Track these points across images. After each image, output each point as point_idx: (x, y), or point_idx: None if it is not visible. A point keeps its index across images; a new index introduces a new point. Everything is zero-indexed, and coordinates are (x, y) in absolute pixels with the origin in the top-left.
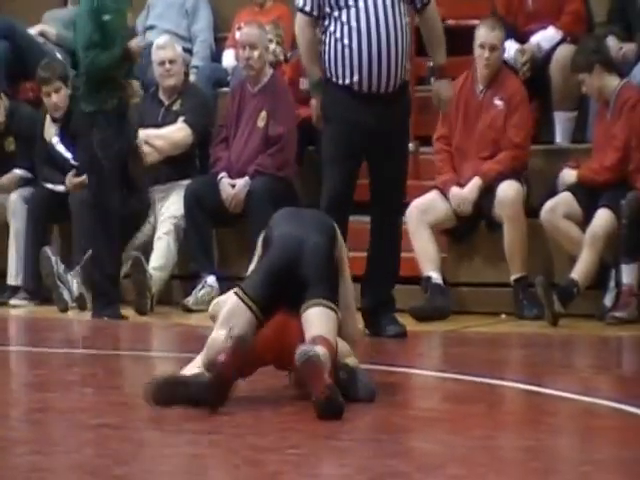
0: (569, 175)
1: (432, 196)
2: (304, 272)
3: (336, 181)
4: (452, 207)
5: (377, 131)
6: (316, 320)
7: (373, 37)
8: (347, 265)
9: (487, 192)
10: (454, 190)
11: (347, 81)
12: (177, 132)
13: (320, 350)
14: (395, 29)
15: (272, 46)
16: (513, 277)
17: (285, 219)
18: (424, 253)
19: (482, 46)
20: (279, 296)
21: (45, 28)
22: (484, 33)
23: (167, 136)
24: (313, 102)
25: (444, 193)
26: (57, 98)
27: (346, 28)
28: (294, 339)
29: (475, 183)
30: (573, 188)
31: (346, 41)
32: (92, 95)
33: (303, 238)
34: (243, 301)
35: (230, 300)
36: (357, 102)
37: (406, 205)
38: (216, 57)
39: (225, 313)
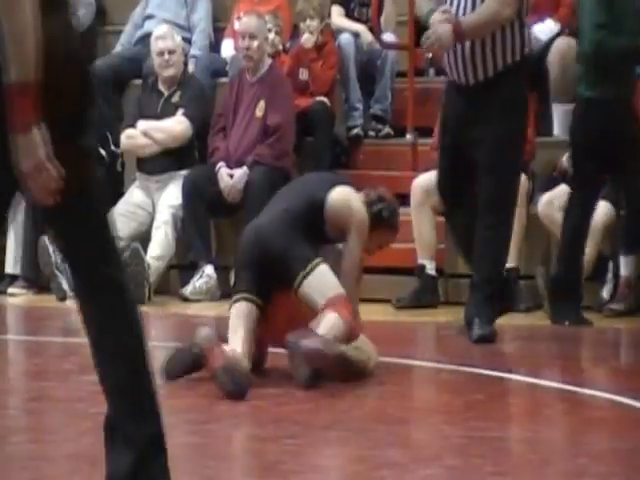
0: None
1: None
2: (273, 254)
3: (440, 165)
4: None
5: (468, 121)
6: (309, 295)
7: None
8: (358, 230)
9: None
10: None
11: (446, 69)
12: (176, 125)
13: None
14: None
15: (271, 36)
16: (505, 267)
17: (268, 204)
18: (422, 239)
19: None
20: (267, 278)
21: None
22: None
23: (166, 129)
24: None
25: None
26: None
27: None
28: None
29: None
30: (570, 180)
31: None
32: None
33: (259, 223)
34: (239, 300)
35: (231, 309)
36: (454, 91)
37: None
38: (215, 47)
39: (231, 318)
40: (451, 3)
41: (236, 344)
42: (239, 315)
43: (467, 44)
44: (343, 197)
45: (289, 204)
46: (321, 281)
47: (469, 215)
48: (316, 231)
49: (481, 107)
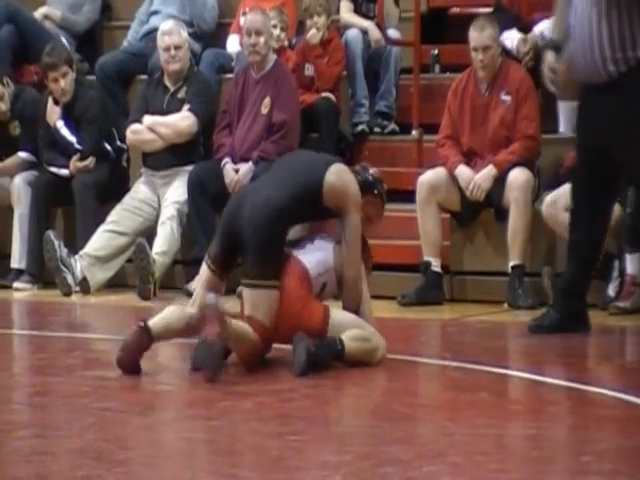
0: None
1: (441, 173)
2: (244, 232)
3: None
4: (459, 192)
5: (601, 121)
6: (248, 301)
7: (578, 26)
8: (355, 203)
9: (498, 181)
10: (462, 169)
11: (577, 70)
12: (182, 121)
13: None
14: (597, 20)
15: (276, 32)
16: (511, 264)
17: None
18: (427, 236)
19: (475, 49)
20: (232, 249)
21: (49, 11)
22: (474, 36)
23: (172, 124)
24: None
25: (451, 173)
26: (65, 83)
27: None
28: (313, 320)
29: (490, 171)
30: None
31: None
32: None
33: (248, 193)
34: (205, 262)
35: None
36: (585, 90)
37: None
38: (220, 43)
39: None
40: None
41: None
42: (202, 273)
43: (595, 41)
44: (338, 176)
45: (287, 186)
46: (262, 300)
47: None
48: (312, 210)
49: (625, 104)
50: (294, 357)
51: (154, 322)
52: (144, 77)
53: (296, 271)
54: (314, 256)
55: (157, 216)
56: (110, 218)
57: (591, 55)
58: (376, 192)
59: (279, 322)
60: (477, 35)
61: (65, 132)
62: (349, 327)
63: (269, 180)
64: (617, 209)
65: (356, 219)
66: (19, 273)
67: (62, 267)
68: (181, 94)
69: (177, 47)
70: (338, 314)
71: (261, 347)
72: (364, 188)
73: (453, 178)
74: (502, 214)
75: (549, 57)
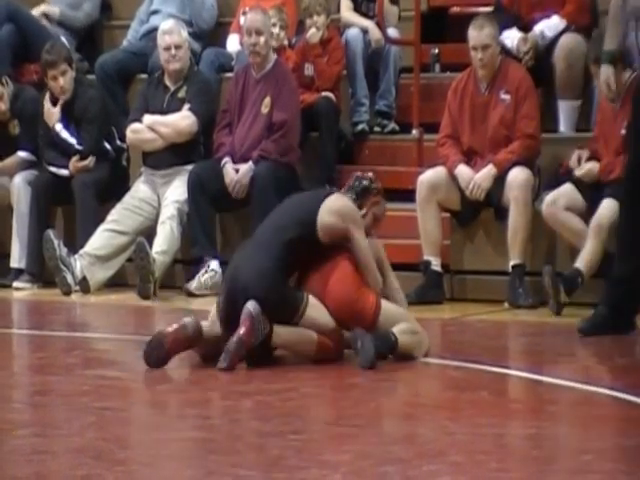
0: (588, 169)
1: (441, 173)
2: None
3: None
4: (459, 191)
5: None
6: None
7: None
8: (355, 224)
9: (498, 180)
10: (462, 168)
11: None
12: (182, 120)
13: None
14: None
15: (275, 31)
16: (511, 263)
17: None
18: (427, 235)
19: (474, 48)
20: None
21: (48, 8)
22: (474, 34)
23: (172, 124)
24: (602, 70)
25: (451, 172)
26: (64, 81)
27: None
28: (366, 307)
29: (489, 170)
30: (576, 179)
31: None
32: None
33: (239, 264)
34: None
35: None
36: None
37: None
38: (220, 42)
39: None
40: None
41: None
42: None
43: None
44: (329, 211)
45: (280, 236)
46: (307, 325)
47: None
48: (314, 249)
49: None
50: (359, 350)
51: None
52: (144, 76)
53: (352, 259)
54: None
55: (157, 215)
56: (110, 217)
57: None
58: (375, 192)
59: (333, 304)
60: (476, 34)
61: (65, 134)
62: (398, 319)
63: (260, 240)
64: (617, 209)
65: (362, 241)
66: (19, 272)
67: (62, 266)
68: (181, 93)
69: (177, 46)
70: (388, 305)
71: (336, 348)
72: (363, 195)
73: (453, 177)
74: (502, 213)
75: (606, 71)
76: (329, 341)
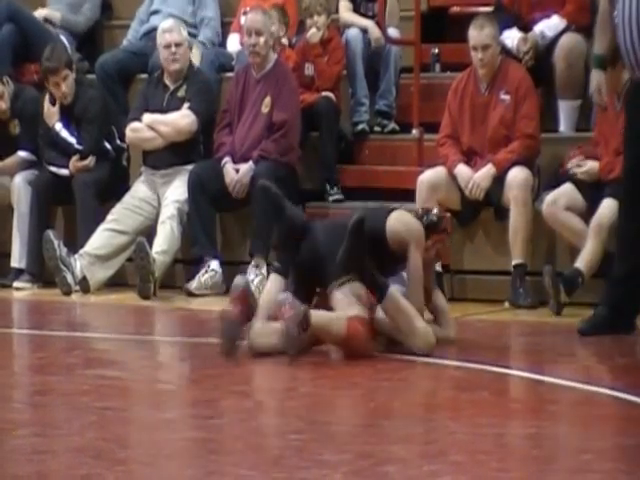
0: (589, 167)
1: (441, 173)
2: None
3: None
4: (459, 191)
5: None
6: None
7: (634, 24)
8: (416, 241)
9: (498, 180)
10: (461, 168)
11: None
12: (182, 119)
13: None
14: None
15: (273, 28)
16: (513, 262)
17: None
18: None
19: (474, 48)
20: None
21: (50, 13)
22: (474, 34)
23: (172, 122)
24: (593, 76)
25: (450, 172)
26: (65, 86)
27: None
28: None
29: (489, 170)
30: (576, 179)
31: (617, 21)
32: None
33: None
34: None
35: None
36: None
37: None
38: (221, 41)
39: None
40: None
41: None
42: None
43: None
44: (399, 219)
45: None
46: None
47: None
48: (378, 256)
49: None
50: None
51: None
52: (144, 76)
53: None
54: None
55: (157, 215)
56: (110, 217)
57: None
58: (442, 230)
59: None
60: (476, 34)
61: (65, 134)
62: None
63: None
64: (617, 208)
65: (418, 261)
66: (19, 272)
67: (62, 266)
68: (181, 93)
69: (177, 44)
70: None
71: (369, 343)
72: (431, 228)
73: (453, 177)
74: (502, 213)
75: (597, 76)
76: (360, 326)
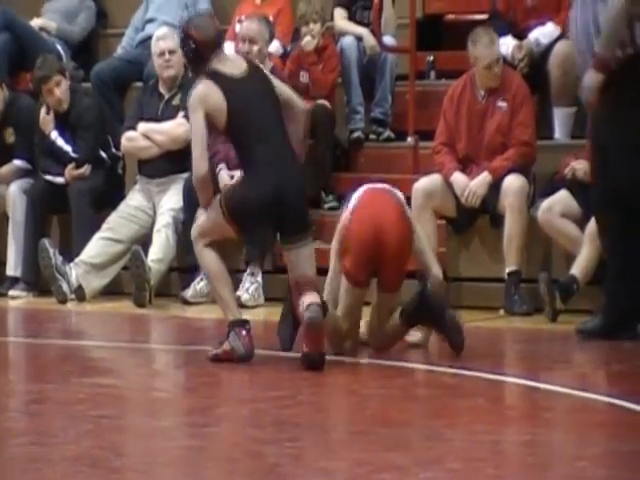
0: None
1: (437, 180)
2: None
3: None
4: (455, 198)
5: None
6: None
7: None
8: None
9: (493, 187)
10: (457, 176)
11: None
12: (177, 127)
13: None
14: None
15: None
16: (507, 270)
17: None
18: None
19: (489, 66)
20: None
21: (45, 22)
22: (486, 53)
23: (167, 131)
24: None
25: (446, 180)
26: (59, 92)
27: None
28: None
29: (485, 178)
30: (571, 186)
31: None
32: None
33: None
34: None
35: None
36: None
37: None
38: None
39: None
40: None
41: None
42: None
43: None
44: None
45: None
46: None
47: None
48: None
49: None
50: (452, 336)
51: None
52: (139, 84)
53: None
54: None
55: (152, 223)
56: (106, 225)
57: None
58: None
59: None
60: (489, 52)
61: (60, 142)
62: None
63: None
64: None
65: None
66: (14, 281)
67: (57, 275)
68: (176, 101)
69: (171, 52)
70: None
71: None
72: None
73: (449, 185)
74: (497, 220)
75: (595, 77)
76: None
